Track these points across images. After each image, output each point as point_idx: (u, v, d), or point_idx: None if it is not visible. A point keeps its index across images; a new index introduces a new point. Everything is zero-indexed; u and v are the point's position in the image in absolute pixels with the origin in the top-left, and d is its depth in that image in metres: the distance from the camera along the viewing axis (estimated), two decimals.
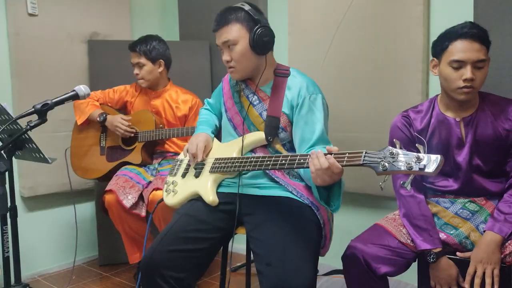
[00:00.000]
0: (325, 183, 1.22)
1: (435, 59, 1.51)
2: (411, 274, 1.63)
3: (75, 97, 1.70)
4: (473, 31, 1.41)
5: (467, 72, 1.40)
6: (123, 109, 2.45)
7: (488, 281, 1.39)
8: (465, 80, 1.40)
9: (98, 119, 2.28)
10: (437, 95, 1.60)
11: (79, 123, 2.34)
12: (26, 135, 1.70)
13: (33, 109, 1.62)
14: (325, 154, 1.20)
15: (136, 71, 2.30)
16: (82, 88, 1.70)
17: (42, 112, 1.62)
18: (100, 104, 2.38)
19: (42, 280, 2.61)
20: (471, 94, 1.44)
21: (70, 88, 1.73)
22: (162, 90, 2.37)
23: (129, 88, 2.43)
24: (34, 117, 1.63)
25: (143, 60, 2.28)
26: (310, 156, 1.23)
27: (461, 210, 1.52)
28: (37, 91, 2.55)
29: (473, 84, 1.41)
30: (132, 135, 2.28)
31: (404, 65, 2.12)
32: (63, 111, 2.59)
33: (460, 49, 1.41)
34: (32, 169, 2.55)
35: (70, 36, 2.73)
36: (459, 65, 1.41)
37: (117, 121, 2.26)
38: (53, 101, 1.64)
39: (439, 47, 1.48)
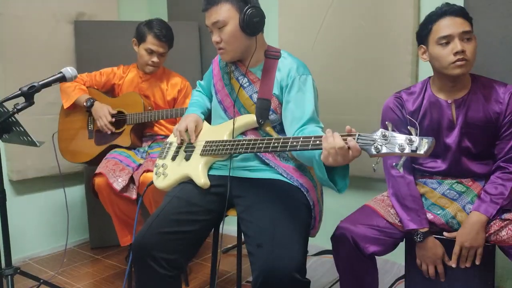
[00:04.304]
0: (336, 163, 1.17)
1: (422, 46, 1.53)
2: (399, 254, 1.67)
3: (62, 79, 1.68)
4: (453, 8, 1.43)
5: (456, 45, 1.41)
6: (110, 92, 2.41)
7: (471, 259, 1.43)
8: (456, 53, 1.41)
9: (85, 103, 2.25)
10: (429, 77, 1.61)
11: (65, 107, 2.30)
12: (13, 118, 1.67)
13: (19, 92, 1.59)
14: (342, 136, 1.16)
15: (155, 59, 2.24)
16: (69, 70, 1.68)
17: (29, 95, 1.59)
18: (87, 87, 2.34)
19: (33, 263, 2.61)
20: (465, 67, 1.43)
21: (56, 70, 1.70)
22: (155, 73, 2.34)
23: (116, 70, 2.39)
24: (21, 100, 1.61)
25: (166, 50, 2.26)
26: (325, 135, 1.20)
27: (448, 191, 1.54)
28: (22, 73, 2.50)
29: (465, 56, 1.42)
30: (109, 132, 2.25)
31: (394, 47, 2.12)
32: (50, 94, 2.55)
33: (444, 25, 1.43)
34: (20, 152, 2.52)
35: (55, 16, 2.66)
36: (447, 40, 1.43)
37: (103, 113, 2.23)
38: (40, 83, 1.61)
39: (424, 32, 1.50)
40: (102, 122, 2.23)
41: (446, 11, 1.44)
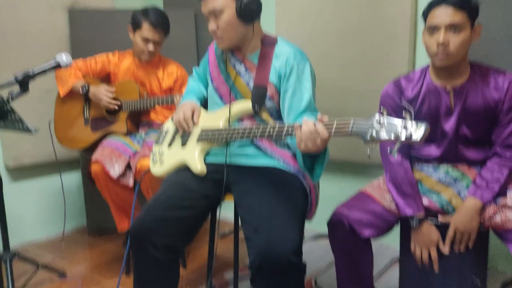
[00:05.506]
0: (307, 149, 1.23)
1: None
2: (393, 237, 1.69)
3: (57, 66, 1.67)
4: None
5: (440, 36, 1.40)
6: (106, 79, 2.40)
7: (465, 243, 1.46)
8: (438, 45, 1.41)
9: (81, 91, 2.24)
10: (428, 65, 1.60)
11: (62, 94, 2.29)
12: (8, 105, 1.67)
13: (14, 79, 1.58)
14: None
15: (151, 48, 2.20)
16: (63, 56, 1.67)
17: (23, 82, 1.59)
18: (83, 76, 2.32)
19: (31, 249, 2.61)
20: (446, 60, 1.42)
21: (51, 58, 1.69)
22: (151, 61, 2.33)
23: (111, 57, 2.36)
24: (16, 87, 1.60)
25: (162, 38, 2.24)
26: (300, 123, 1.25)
27: (443, 177, 1.56)
28: (16, 62, 2.48)
29: (447, 49, 1.40)
30: (116, 107, 2.25)
31: (392, 35, 2.11)
32: (45, 81, 2.51)
33: (435, 14, 1.42)
34: (16, 139, 2.52)
35: (50, 4, 2.63)
36: (434, 30, 1.42)
37: (101, 92, 2.22)
38: (35, 71, 1.61)
39: (424, 16, 1.49)
40: (104, 101, 2.23)
41: None
